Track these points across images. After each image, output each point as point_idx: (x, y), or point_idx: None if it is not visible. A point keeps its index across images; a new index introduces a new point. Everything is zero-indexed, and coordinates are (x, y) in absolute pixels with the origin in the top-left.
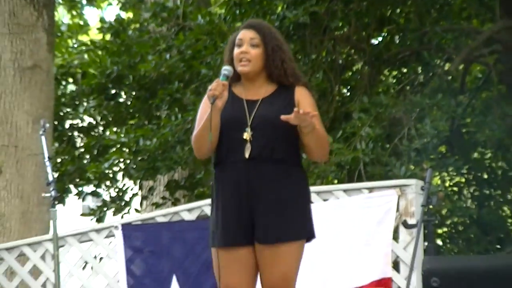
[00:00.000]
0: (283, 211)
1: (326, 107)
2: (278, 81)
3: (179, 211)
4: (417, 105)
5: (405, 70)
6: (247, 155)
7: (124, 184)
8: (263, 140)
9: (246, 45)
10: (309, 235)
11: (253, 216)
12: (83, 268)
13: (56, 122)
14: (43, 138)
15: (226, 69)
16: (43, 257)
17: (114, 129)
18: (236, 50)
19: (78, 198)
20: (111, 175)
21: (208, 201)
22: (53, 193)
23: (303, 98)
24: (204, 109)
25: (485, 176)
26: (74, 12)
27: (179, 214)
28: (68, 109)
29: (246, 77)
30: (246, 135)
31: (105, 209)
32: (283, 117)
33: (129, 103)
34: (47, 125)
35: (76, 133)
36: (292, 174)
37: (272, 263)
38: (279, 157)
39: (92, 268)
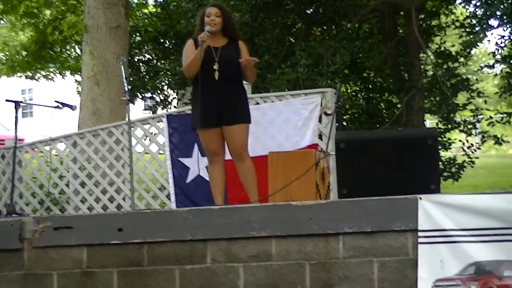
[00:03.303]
0: (237, 105)
1: (280, 47)
2: (229, 36)
3: None
4: (332, 46)
5: (325, 28)
6: (216, 77)
7: (168, 92)
8: (225, 69)
9: (213, 16)
10: (249, 121)
11: (220, 108)
12: (145, 139)
13: (129, 58)
14: (122, 67)
15: (208, 28)
16: (122, 134)
17: (162, 61)
18: (207, 19)
19: (142, 100)
20: (160, 87)
21: None
22: (127, 97)
23: (244, 48)
24: (190, 50)
25: (370, 86)
26: None
27: None
28: (136, 50)
29: (212, 33)
30: (215, 66)
31: (157, 106)
32: (241, 60)
33: (171, 46)
34: (124, 59)
35: (140, 64)
36: (240, 87)
37: (232, 136)
38: (234, 78)
39: (150, 139)
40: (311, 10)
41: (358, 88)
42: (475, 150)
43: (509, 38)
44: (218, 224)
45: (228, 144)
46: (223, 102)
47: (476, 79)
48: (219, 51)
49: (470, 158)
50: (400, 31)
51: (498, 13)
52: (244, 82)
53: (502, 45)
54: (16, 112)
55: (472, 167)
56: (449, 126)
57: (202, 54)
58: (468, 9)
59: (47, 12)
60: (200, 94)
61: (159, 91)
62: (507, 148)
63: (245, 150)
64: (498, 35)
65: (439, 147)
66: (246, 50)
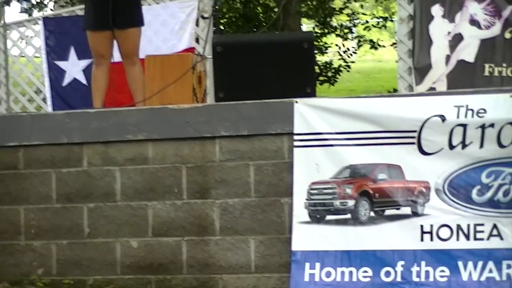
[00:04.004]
0: (130, 8)
1: None
2: None
3: (75, 9)
4: None
5: None
6: None
7: None
8: None
9: None
10: (142, 24)
11: (114, 11)
12: (21, 42)
13: None
14: None
15: None
16: None
17: None
18: None
19: (17, 2)
20: None
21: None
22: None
23: None
24: None
25: None
26: None
27: (75, 11)
28: None
29: None
30: None
31: (33, 8)
32: None
33: None
34: None
35: None
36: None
37: (125, 40)
38: None
39: (26, 42)
40: None
41: None
42: (351, 55)
43: None
44: (94, 127)
45: (120, 48)
46: (117, 4)
47: None
48: None
49: (346, 62)
50: None
51: None
52: None
53: None
54: None
55: (348, 71)
56: (326, 30)
57: None
58: None
59: None
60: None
61: None
62: (382, 52)
63: (136, 54)
64: None
65: (315, 51)
66: None
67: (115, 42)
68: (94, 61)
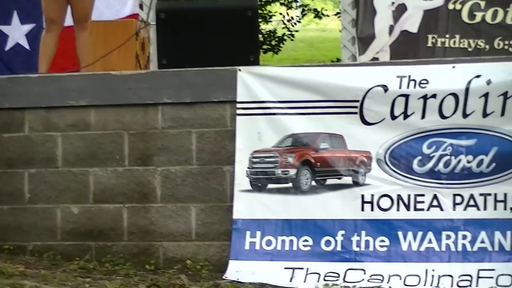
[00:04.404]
0: None
1: None
2: None
3: None
4: None
5: None
6: None
7: None
8: None
9: None
10: None
11: None
12: None
13: None
14: None
15: None
16: None
17: None
18: None
19: None
20: None
21: None
22: None
23: None
24: None
25: None
26: None
27: None
28: None
29: None
30: None
31: None
32: None
33: None
34: None
35: None
36: None
37: (79, 4)
38: None
39: None
40: None
41: None
42: (295, 24)
43: None
44: (36, 93)
45: (73, 12)
46: None
47: None
48: None
49: (290, 31)
50: None
51: None
52: None
53: None
54: None
55: (292, 40)
56: None
57: None
58: None
59: None
60: None
61: None
62: (326, 22)
63: (88, 19)
64: None
65: (259, 20)
66: None
67: (68, 10)
68: (45, 26)
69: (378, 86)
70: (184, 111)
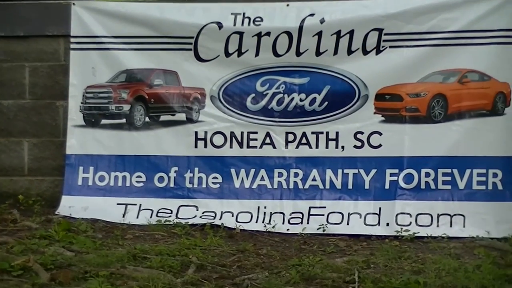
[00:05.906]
0: None
1: None
2: None
3: None
4: None
5: None
6: None
7: None
8: None
9: None
10: None
11: None
12: None
13: None
14: None
15: None
16: None
17: None
18: None
19: None
20: None
21: None
22: None
23: None
24: None
25: None
26: None
27: None
28: None
29: None
30: None
31: None
32: None
33: None
34: None
35: None
36: None
37: None
38: None
39: None
40: None
41: None
42: None
43: None
44: None
45: None
46: None
47: None
48: None
49: None
50: None
51: None
52: None
53: None
54: None
55: None
56: None
57: None
58: None
59: None
60: None
61: None
62: None
63: None
64: None
65: None
66: None
67: None
68: None
69: (212, 23)
70: (17, 45)
